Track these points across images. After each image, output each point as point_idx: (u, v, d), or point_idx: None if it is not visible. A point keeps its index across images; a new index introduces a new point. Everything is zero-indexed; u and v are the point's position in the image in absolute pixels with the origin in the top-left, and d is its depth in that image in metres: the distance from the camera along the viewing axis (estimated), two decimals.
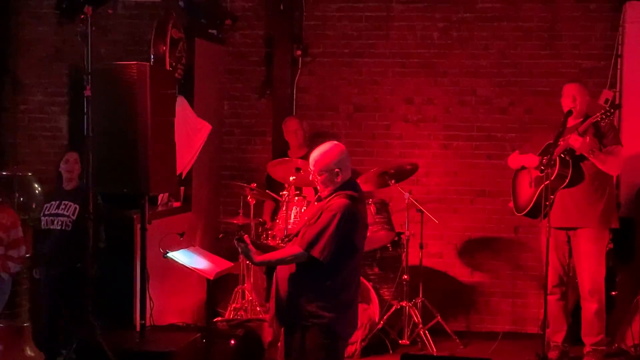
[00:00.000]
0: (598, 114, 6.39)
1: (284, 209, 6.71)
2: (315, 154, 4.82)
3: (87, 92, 5.22)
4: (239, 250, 4.84)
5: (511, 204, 7.05)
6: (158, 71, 5.82)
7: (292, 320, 4.87)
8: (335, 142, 4.94)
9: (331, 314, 4.76)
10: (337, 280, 4.78)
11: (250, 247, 4.81)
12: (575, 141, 6.42)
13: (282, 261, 4.82)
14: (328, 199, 4.78)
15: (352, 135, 8.34)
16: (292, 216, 6.71)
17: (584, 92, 6.77)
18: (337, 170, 4.76)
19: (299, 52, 8.33)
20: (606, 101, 7.75)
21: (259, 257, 4.91)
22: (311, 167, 4.84)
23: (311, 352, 4.80)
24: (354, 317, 4.98)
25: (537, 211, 6.65)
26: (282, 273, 4.93)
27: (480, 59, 8.15)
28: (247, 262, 5.10)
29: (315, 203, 4.95)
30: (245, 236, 4.83)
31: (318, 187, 4.90)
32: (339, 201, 4.71)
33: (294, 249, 4.77)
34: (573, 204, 6.61)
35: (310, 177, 4.91)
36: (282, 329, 5.03)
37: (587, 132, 6.46)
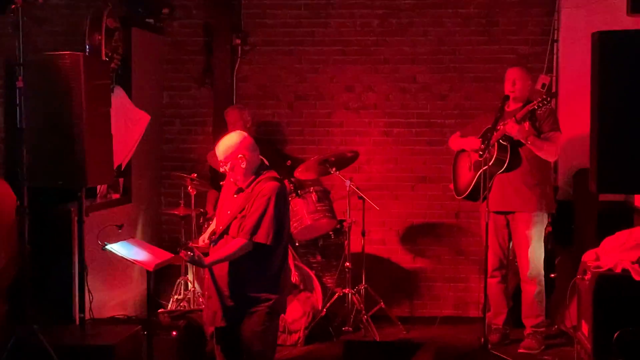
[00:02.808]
0: (535, 102, 6.46)
1: None
2: (219, 145, 4.96)
3: (19, 84, 5.13)
4: (187, 259, 4.85)
5: (452, 186, 7.12)
6: (92, 61, 5.75)
7: (239, 313, 4.88)
8: (239, 131, 5.13)
9: (275, 295, 4.89)
10: (276, 262, 4.91)
11: (197, 252, 4.82)
12: (512, 128, 6.49)
13: (232, 256, 4.85)
14: (251, 186, 4.87)
15: (294, 124, 8.33)
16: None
17: (525, 77, 6.84)
18: (240, 155, 4.88)
19: (238, 41, 8.27)
20: (543, 86, 7.83)
21: (208, 259, 4.92)
22: (219, 158, 4.94)
23: (256, 337, 4.87)
24: (288, 294, 5.22)
25: (476, 195, 6.72)
26: (219, 270, 4.93)
27: (420, 45, 8.18)
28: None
29: (235, 195, 4.98)
30: (190, 243, 4.86)
31: (232, 179, 4.98)
32: (268, 184, 4.84)
33: (238, 241, 4.82)
34: (511, 189, 6.70)
35: (221, 169, 5.03)
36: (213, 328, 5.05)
37: (525, 119, 6.53)
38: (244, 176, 4.95)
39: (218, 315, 4.96)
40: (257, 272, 4.88)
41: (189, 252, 4.77)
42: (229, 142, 4.96)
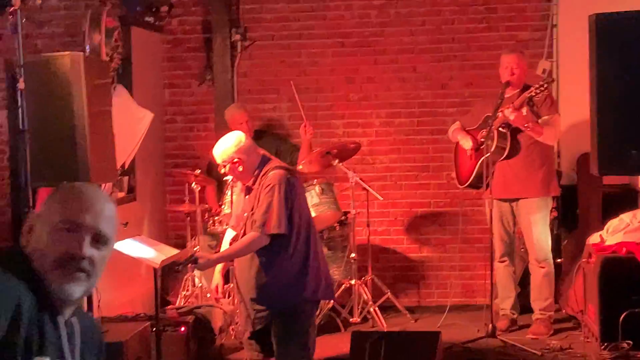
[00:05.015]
0: (533, 89, 6.47)
1: (228, 193, 6.71)
2: (216, 147, 4.96)
3: (21, 86, 5.15)
4: (198, 270, 4.88)
5: (454, 175, 7.15)
6: (92, 61, 5.74)
7: (270, 315, 4.88)
8: (236, 132, 5.09)
9: (309, 285, 4.87)
10: (299, 251, 4.85)
11: (202, 260, 4.85)
12: (510, 114, 6.50)
13: (244, 250, 4.84)
14: (257, 181, 4.85)
15: (295, 118, 8.33)
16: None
17: (522, 63, 6.84)
18: (236, 160, 4.84)
19: (237, 37, 8.28)
20: (543, 71, 7.84)
21: (215, 255, 4.93)
22: (217, 160, 4.96)
23: (297, 334, 4.87)
24: (326, 273, 5.07)
25: (478, 183, 6.75)
26: (246, 274, 4.92)
27: (419, 35, 8.18)
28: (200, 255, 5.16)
29: (246, 197, 4.98)
30: (196, 253, 4.87)
31: (234, 179, 5.01)
32: (272, 175, 4.80)
33: (250, 235, 4.79)
34: (513, 175, 6.72)
35: (221, 170, 5.07)
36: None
37: (523, 105, 6.54)
38: (244, 177, 4.94)
39: (249, 320, 4.96)
40: (281, 268, 4.83)
41: (196, 264, 4.83)
42: (224, 146, 4.94)
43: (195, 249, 7.06)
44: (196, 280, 7.33)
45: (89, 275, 2.31)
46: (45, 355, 2.20)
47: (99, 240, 2.33)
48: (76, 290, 2.29)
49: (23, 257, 2.29)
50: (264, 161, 4.96)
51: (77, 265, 2.28)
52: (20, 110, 5.15)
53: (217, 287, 5.31)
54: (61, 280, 2.26)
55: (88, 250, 2.29)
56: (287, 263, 4.84)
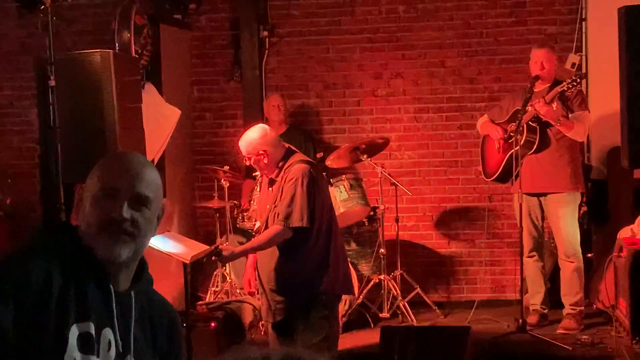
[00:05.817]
0: (565, 84, 6.43)
1: (257, 189, 6.72)
2: (241, 140, 4.97)
3: (52, 83, 5.20)
4: (223, 262, 4.92)
5: (481, 169, 7.14)
6: (122, 58, 5.80)
7: (290, 307, 4.91)
8: (261, 124, 5.11)
9: (327, 278, 4.87)
10: (319, 243, 4.86)
11: (225, 252, 4.88)
12: (541, 109, 6.47)
13: (266, 243, 4.86)
14: (280, 174, 4.87)
15: (323, 113, 8.36)
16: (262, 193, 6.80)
17: (552, 57, 6.81)
18: (261, 152, 4.85)
19: (265, 33, 8.30)
20: (573, 65, 7.78)
21: (238, 248, 4.95)
22: (242, 152, 4.98)
23: (316, 326, 4.87)
24: (345, 268, 5.09)
25: (506, 177, 6.73)
26: (264, 264, 4.95)
27: (446, 30, 8.16)
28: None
29: (270, 189, 5.00)
30: (220, 246, 4.91)
31: (258, 171, 5.03)
32: (295, 168, 4.83)
33: (273, 228, 4.81)
34: (541, 170, 6.68)
35: (246, 163, 5.10)
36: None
37: (554, 100, 6.51)
38: (269, 169, 4.96)
39: (270, 311, 4.99)
40: (301, 261, 4.86)
41: (222, 257, 4.87)
42: (249, 138, 4.95)
43: (225, 244, 7.09)
44: (226, 276, 7.36)
45: (134, 236, 2.40)
46: (88, 321, 2.30)
47: (139, 201, 2.41)
48: (122, 252, 2.38)
49: (69, 228, 2.42)
50: (288, 154, 4.97)
51: (119, 228, 2.37)
52: (51, 107, 5.20)
53: (249, 281, 5.34)
54: (107, 243, 2.36)
55: (127, 212, 2.37)
56: (307, 256, 4.86)
